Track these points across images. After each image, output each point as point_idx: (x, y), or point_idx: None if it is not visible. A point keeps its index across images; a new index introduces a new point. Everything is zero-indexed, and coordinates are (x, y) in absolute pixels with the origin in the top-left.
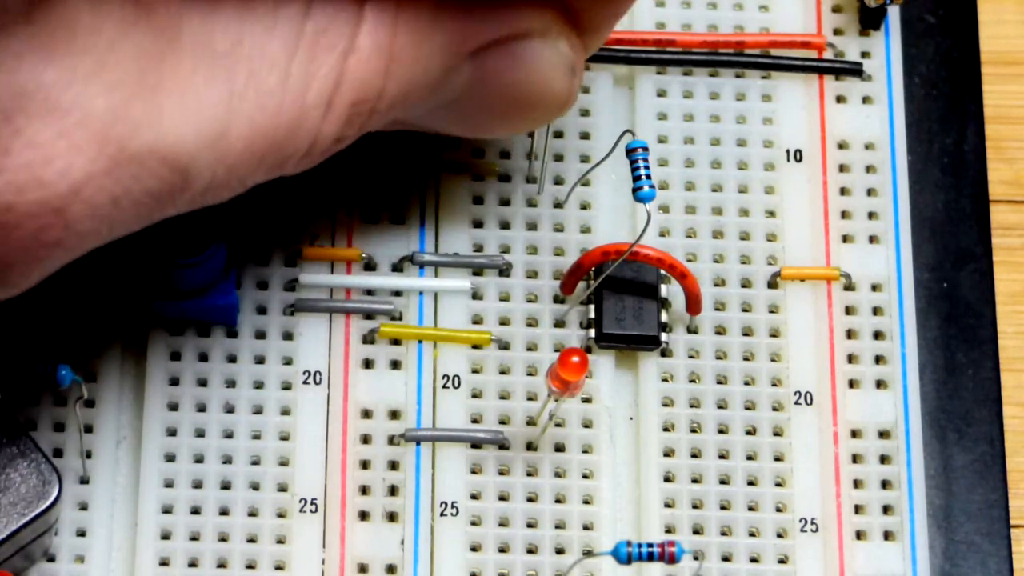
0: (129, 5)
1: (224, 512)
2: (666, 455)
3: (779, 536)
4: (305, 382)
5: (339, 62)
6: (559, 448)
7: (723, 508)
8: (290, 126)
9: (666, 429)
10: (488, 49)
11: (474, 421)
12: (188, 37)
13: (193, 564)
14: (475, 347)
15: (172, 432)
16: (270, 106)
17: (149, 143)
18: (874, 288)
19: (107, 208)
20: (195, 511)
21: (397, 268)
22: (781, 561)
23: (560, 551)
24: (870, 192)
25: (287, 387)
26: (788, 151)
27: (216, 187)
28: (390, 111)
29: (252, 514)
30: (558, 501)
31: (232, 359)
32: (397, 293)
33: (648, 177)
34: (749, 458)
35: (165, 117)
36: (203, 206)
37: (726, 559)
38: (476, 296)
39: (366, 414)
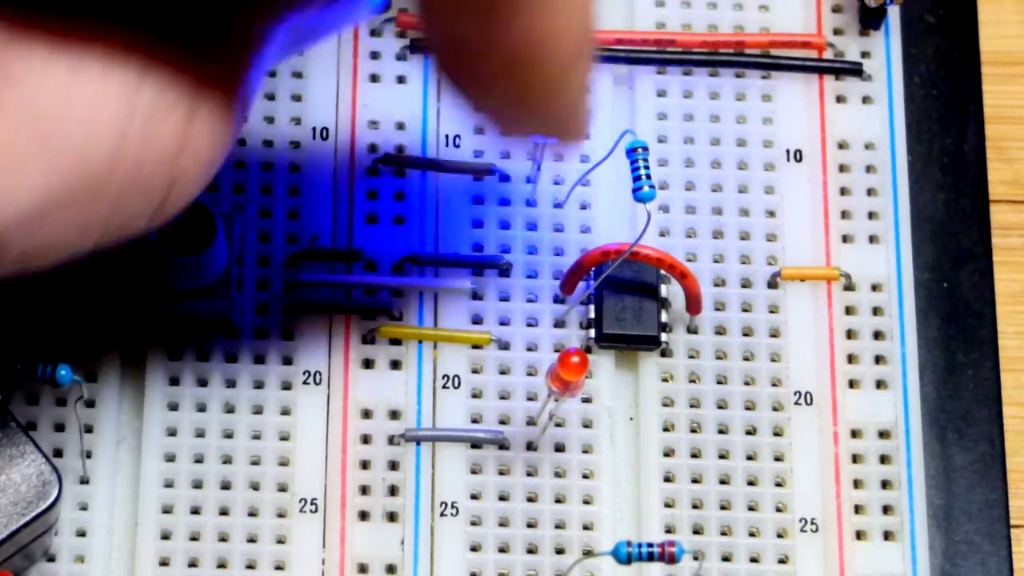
0: None
1: (224, 512)
2: (666, 455)
3: (779, 536)
4: (305, 382)
5: (182, 124)
6: (559, 448)
7: (723, 508)
8: (121, 199)
9: (666, 429)
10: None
11: (474, 421)
12: (12, 97)
13: (193, 564)
14: (475, 347)
15: (172, 432)
16: (96, 183)
17: None
18: (874, 288)
19: None
20: (195, 511)
21: (397, 268)
22: (781, 561)
23: (560, 551)
24: (870, 192)
25: (287, 387)
26: (788, 151)
27: (40, 254)
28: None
29: (252, 514)
30: (558, 501)
31: (232, 359)
32: (397, 293)
33: (648, 177)
34: (749, 458)
35: None
36: (34, 270)
37: (726, 559)
38: (476, 296)
39: (366, 414)
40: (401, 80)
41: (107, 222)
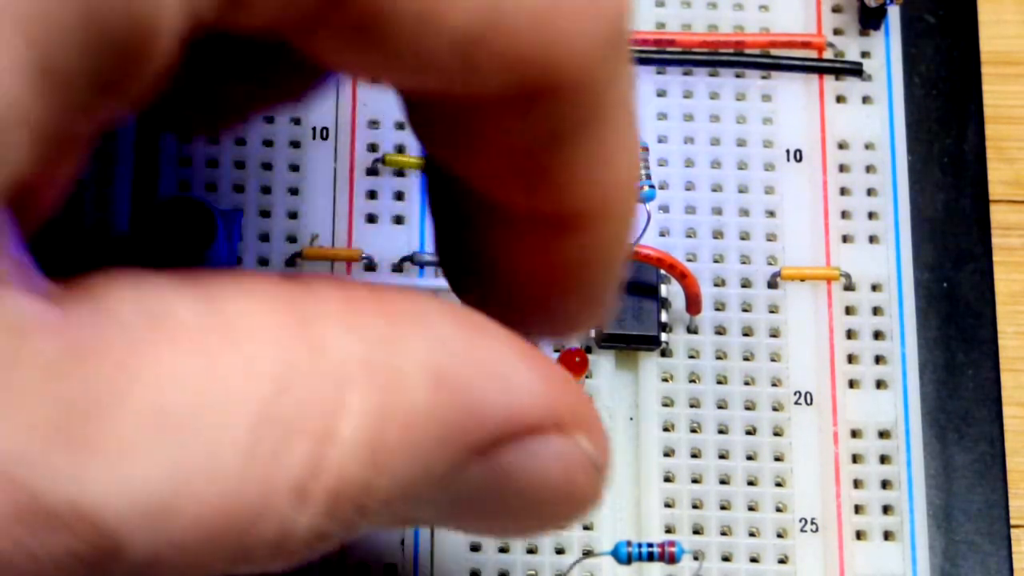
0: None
1: None
2: (666, 455)
3: (779, 536)
4: None
5: (315, 447)
6: None
7: (723, 508)
8: (252, 510)
9: (666, 429)
10: (499, 446)
11: None
12: (138, 391)
13: None
14: None
15: None
16: (226, 485)
17: (70, 498)
18: (874, 288)
19: (24, 563)
20: None
21: (397, 268)
22: (781, 561)
23: (560, 551)
24: (870, 192)
25: None
26: (788, 151)
27: (165, 566)
28: (388, 508)
29: None
30: None
31: None
32: None
33: (648, 177)
34: (749, 458)
35: (91, 474)
36: None
37: (726, 559)
38: None
39: None
40: None
41: (235, 540)
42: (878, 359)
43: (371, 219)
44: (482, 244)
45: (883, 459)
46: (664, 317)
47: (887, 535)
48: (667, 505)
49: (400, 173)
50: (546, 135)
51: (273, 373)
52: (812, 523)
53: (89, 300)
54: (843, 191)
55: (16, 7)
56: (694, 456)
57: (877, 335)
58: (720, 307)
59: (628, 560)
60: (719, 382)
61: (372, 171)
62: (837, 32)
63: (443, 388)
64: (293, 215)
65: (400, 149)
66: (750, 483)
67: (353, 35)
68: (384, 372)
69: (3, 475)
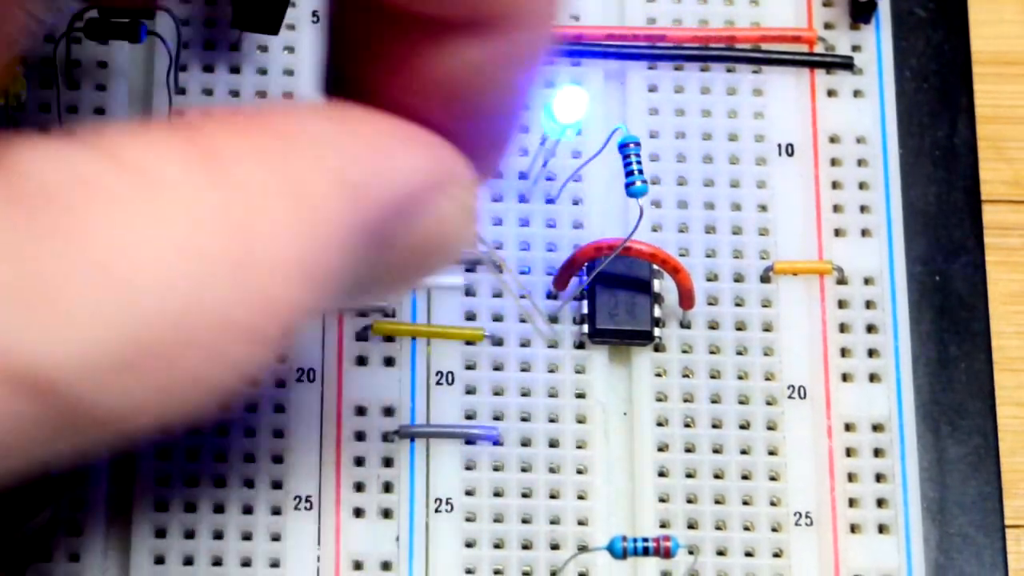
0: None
1: (219, 509)
2: (660, 450)
3: (774, 530)
4: (299, 379)
5: (245, 277)
6: (553, 444)
7: (717, 502)
8: (193, 358)
9: (660, 424)
10: (393, 221)
11: (468, 417)
12: (84, 257)
13: (188, 562)
14: (468, 343)
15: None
16: (176, 334)
17: (30, 360)
18: (866, 282)
19: None
20: (189, 508)
21: None
22: (776, 555)
23: (555, 547)
24: (862, 186)
25: (280, 385)
26: (780, 145)
27: (130, 419)
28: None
29: (246, 511)
30: (552, 497)
31: None
32: None
33: (640, 172)
34: (743, 452)
35: (51, 337)
36: (131, 434)
37: (721, 553)
38: (469, 292)
39: (360, 411)
40: None
41: (181, 389)
42: (871, 353)
43: None
44: (377, 69)
45: (877, 452)
46: (657, 312)
47: (881, 528)
48: (662, 500)
49: None
50: None
51: (198, 218)
52: (806, 517)
53: (9, 170)
54: (835, 185)
55: None
56: (688, 451)
57: (870, 329)
58: (713, 302)
59: (623, 555)
60: (712, 377)
61: None
62: (828, 26)
63: (346, 188)
64: None
65: None
66: (744, 477)
67: None
68: (295, 194)
69: None
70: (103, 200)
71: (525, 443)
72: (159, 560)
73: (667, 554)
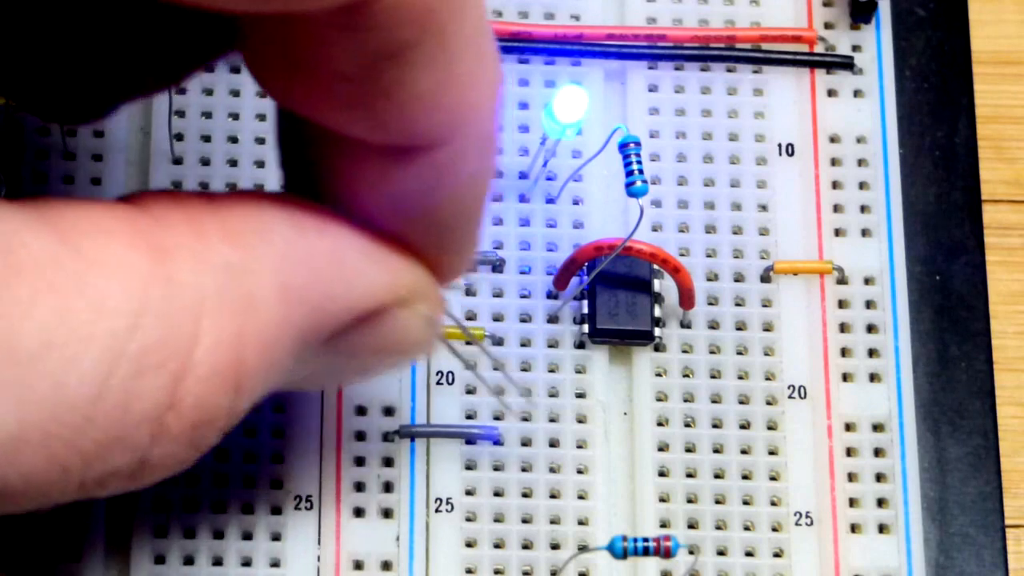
0: None
1: (219, 509)
2: (660, 450)
3: (774, 530)
4: None
5: (171, 381)
6: (553, 444)
7: (718, 502)
8: (102, 444)
9: (660, 424)
10: (349, 330)
11: (468, 417)
12: None
13: (188, 561)
14: (469, 343)
15: None
16: (73, 420)
17: None
18: (867, 282)
19: None
20: (190, 508)
21: None
22: (776, 555)
23: (555, 546)
24: (862, 186)
25: None
26: (780, 145)
27: (18, 494)
28: (239, 416)
29: (247, 511)
30: (553, 496)
31: None
32: None
33: (640, 172)
34: (743, 452)
35: None
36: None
37: (721, 553)
38: (469, 292)
39: (360, 411)
40: None
41: (85, 470)
42: (871, 352)
43: None
44: (334, 184)
45: (877, 452)
46: (657, 312)
47: (882, 528)
48: (662, 500)
49: None
50: (375, 55)
51: (127, 309)
52: (807, 517)
53: None
54: (835, 185)
55: None
56: (688, 450)
57: (870, 328)
58: (713, 301)
59: (624, 555)
60: (713, 376)
61: None
62: (828, 26)
63: (291, 300)
64: None
65: None
66: (744, 477)
67: None
68: (235, 298)
69: None
70: (30, 272)
71: (525, 443)
72: (159, 559)
73: (667, 554)
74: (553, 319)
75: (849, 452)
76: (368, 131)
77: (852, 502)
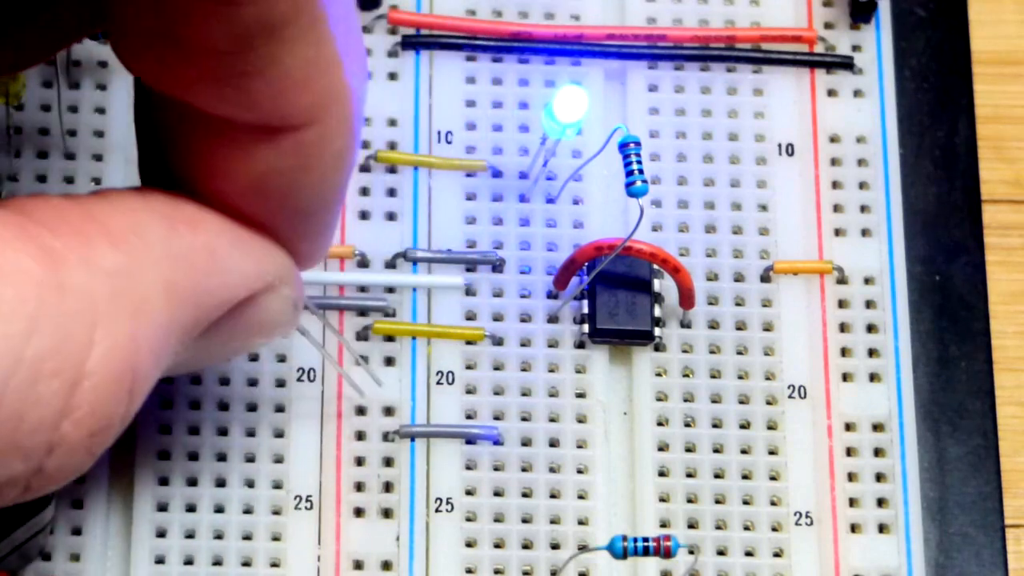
0: None
1: (219, 510)
2: (660, 449)
3: (774, 530)
4: (299, 379)
5: (67, 387)
6: (553, 443)
7: (718, 502)
8: (5, 445)
9: (660, 423)
10: (221, 319)
11: (468, 417)
12: None
13: (189, 562)
14: (469, 343)
15: (167, 430)
16: None
17: None
18: (867, 281)
19: None
20: (190, 508)
21: (390, 265)
22: (776, 555)
23: (555, 546)
24: (862, 186)
25: (281, 384)
26: (780, 145)
27: None
28: (130, 419)
29: (247, 511)
30: (553, 496)
31: None
32: (390, 290)
33: (640, 172)
34: (743, 452)
35: None
36: None
37: (721, 553)
38: (469, 292)
39: (360, 411)
40: (393, 77)
41: None
42: (871, 352)
43: (363, 216)
44: (195, 168)
45: (877, 452)
46: (657, 312)
47: (882, 528)
48: (662, 499)
49: (392, 170)
50: (250, 30)
51: (22, 314)
52: (807, 516)
53: None
54: (835, 185)
55: None
56: (688, 450)
57: (870, 328)
58: (713, 301)
59: (624, 554)
60: (713, 376)
61: (364, 168)
62: (828, 26)
63: (176, 299)
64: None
65: (392, 146)
66: (744, 477)
67: None
68: (127, 303)
69: None
70: None
71: (525, 443)
72: (159, 560)
73: (667, 554)
74: (553, 319)
75: (849, 452)
76: (238, 110)
77: (852, 502)
